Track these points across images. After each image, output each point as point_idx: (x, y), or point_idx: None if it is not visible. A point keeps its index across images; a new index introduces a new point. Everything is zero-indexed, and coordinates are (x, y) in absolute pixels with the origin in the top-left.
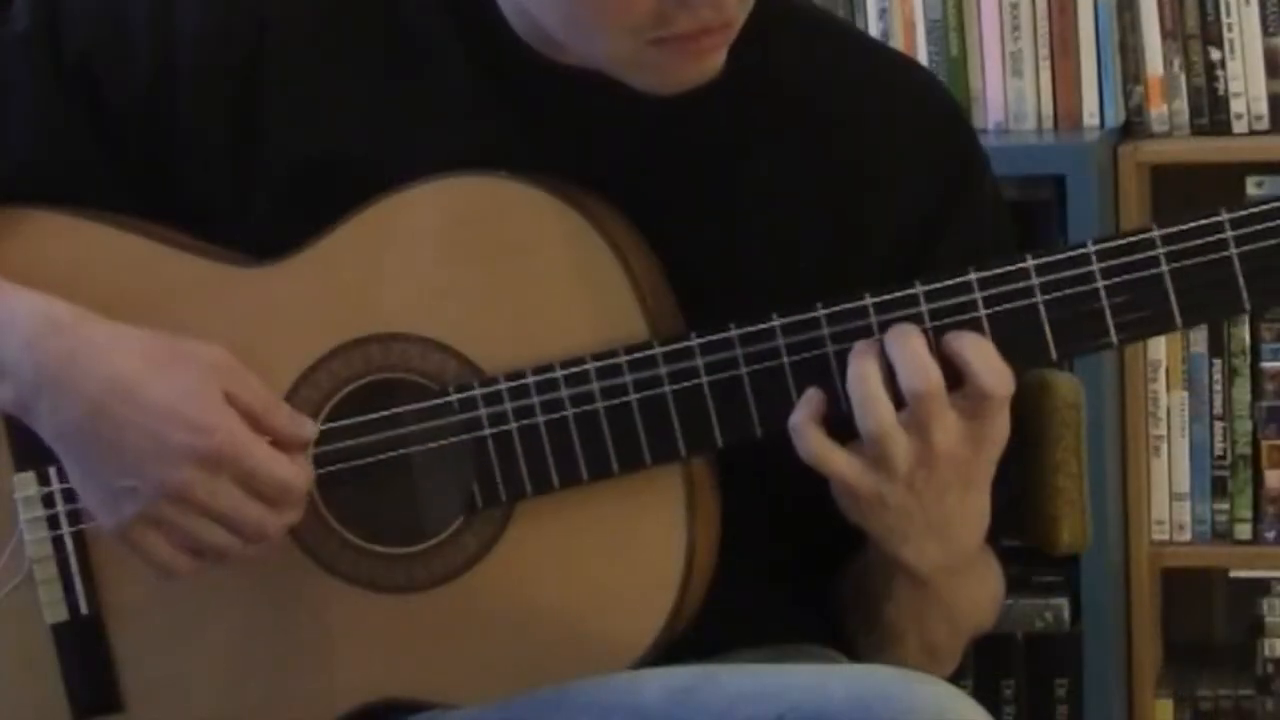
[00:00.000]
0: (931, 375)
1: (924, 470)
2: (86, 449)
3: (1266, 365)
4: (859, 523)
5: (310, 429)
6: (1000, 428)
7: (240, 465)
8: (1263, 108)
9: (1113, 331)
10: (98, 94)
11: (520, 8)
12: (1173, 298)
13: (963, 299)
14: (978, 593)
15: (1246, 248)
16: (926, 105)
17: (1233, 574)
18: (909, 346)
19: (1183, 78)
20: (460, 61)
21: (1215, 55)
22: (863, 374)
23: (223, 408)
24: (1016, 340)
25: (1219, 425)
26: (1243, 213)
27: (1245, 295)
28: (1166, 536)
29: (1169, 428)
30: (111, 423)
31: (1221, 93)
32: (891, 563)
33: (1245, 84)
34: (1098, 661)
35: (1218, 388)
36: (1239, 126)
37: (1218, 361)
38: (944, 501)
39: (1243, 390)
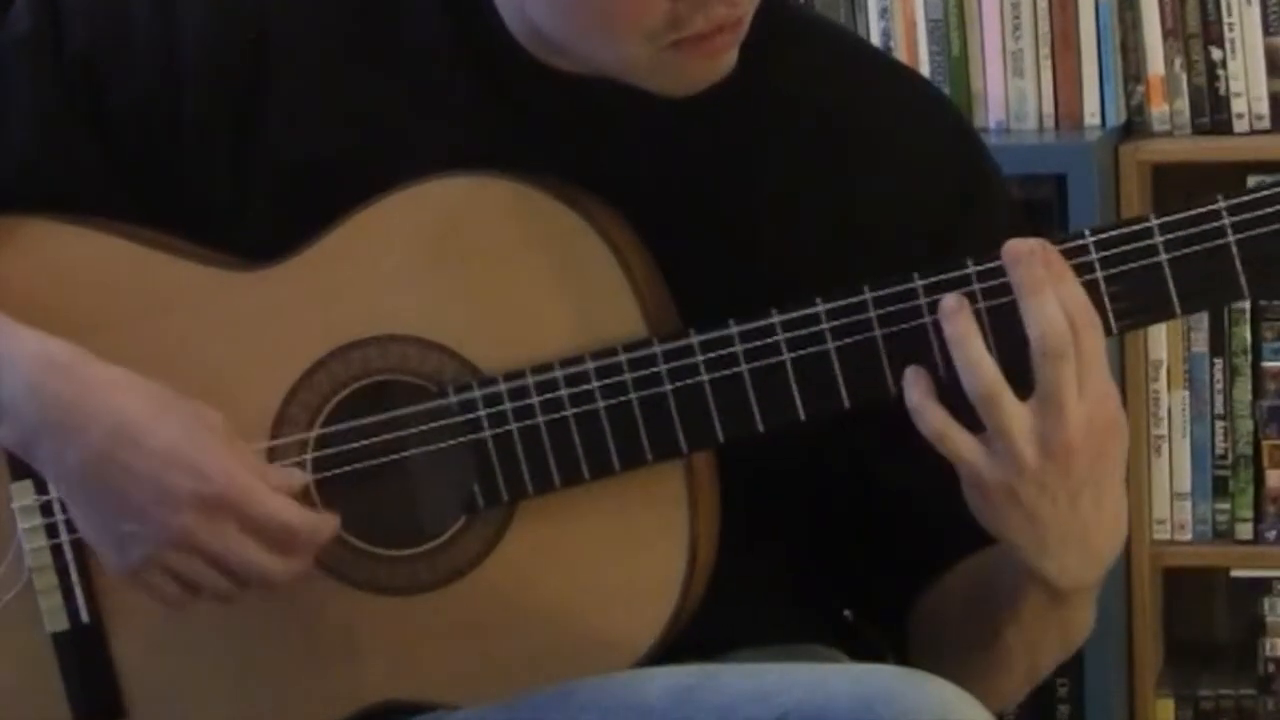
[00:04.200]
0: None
1: (1054, 465)
2: (90, 493)
3: (1268, 365)
4: (995, 530)
5: (298, 479)
6: (1111, 405)
7: (243, 510)
8: (1264, 107)
9: (1112, 319)
10: (99, 95)
11: (521, 13)
12: (1171, 286)
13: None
14: (1087, 613)
15: (1244, 234)
16: (933, 118)
17: (1234, 573)
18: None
19: (1184, 77)
20: (458, 66)
21: (1216, 55)
22: (962, 334)
23: (225, 453)
24: (1017, 330)
25: (1220, 425)
26: (1240, 200)
27: (1244, 282)
28: (1168, 536)
29: (1170, 427)
30: (115, 468)
31: (1222, 92)
32: (1027, 579)
33: (1246, 83)
34: (1099, 661)
35: (1219, 387)
36: (1240, 126)
37: (1219, 361)
38: (1079, 504)
39: (1244, 390)
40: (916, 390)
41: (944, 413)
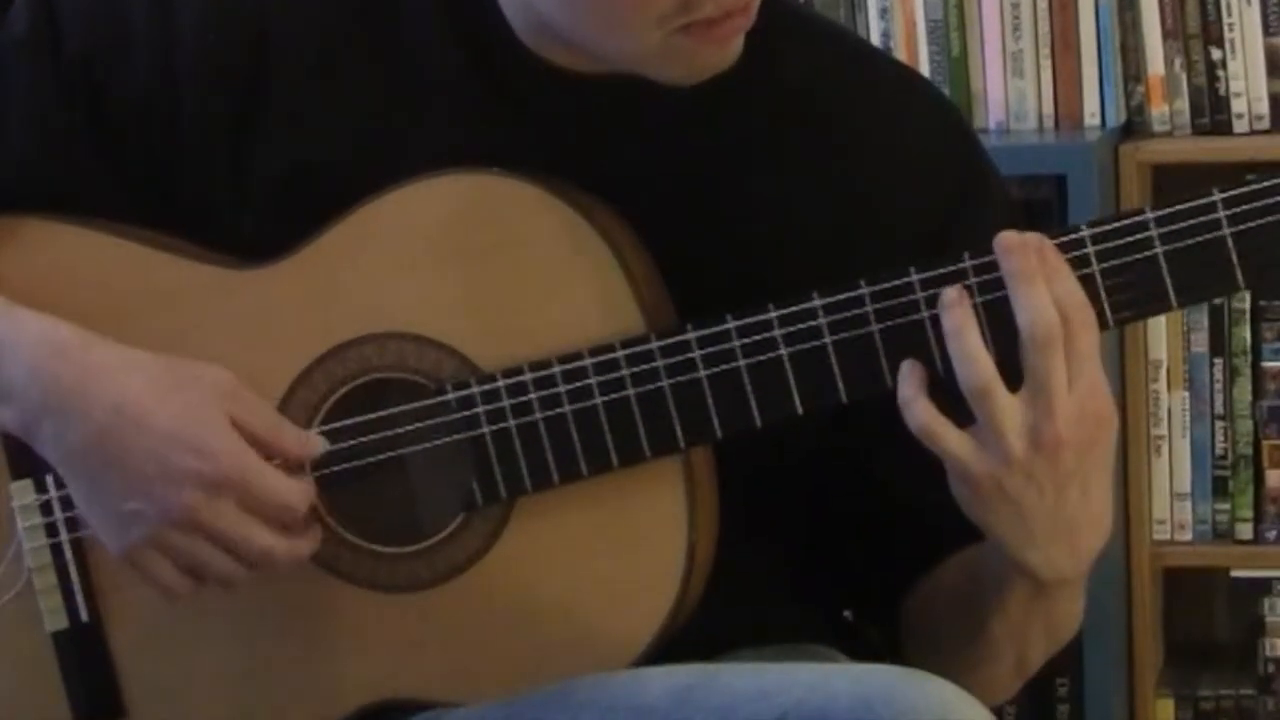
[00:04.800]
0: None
1: (1042, 456)
2: (92, 473)
3: (1267, 365)
4: (981, 523)
5: (317, 445)
6: (1101, 398)
7: (245, 490)
8: (1263, 107)
9: (1108, 312)
10: (97, 95)
11: (525, 8)
12: (1167, 278)
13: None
14: (1076, 605)
15: (1240, 226)
16: (933, 118)
17: (1234, 574)
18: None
19: (1184, 77)
20: (458, 66)
21: (1216, 55)
22: (960, 327)
23: (228, 432)
24: (1013, 324)
25: (1220, 425)
26: (1235, 192)
27: (1240, 273)
28: (1168, 536)
29: (1170, 427)
30: (117, 448)
31: (1222, 92)
32: (1013, 571)
33: (1246, 84)
34: (1099, 661)
35: (1219, 387)
36: (1240, 126)
37: (1219, 361)
38: (1066, 497)
39: (1244, 390)
40: (908, 385)
41: (932, 408)
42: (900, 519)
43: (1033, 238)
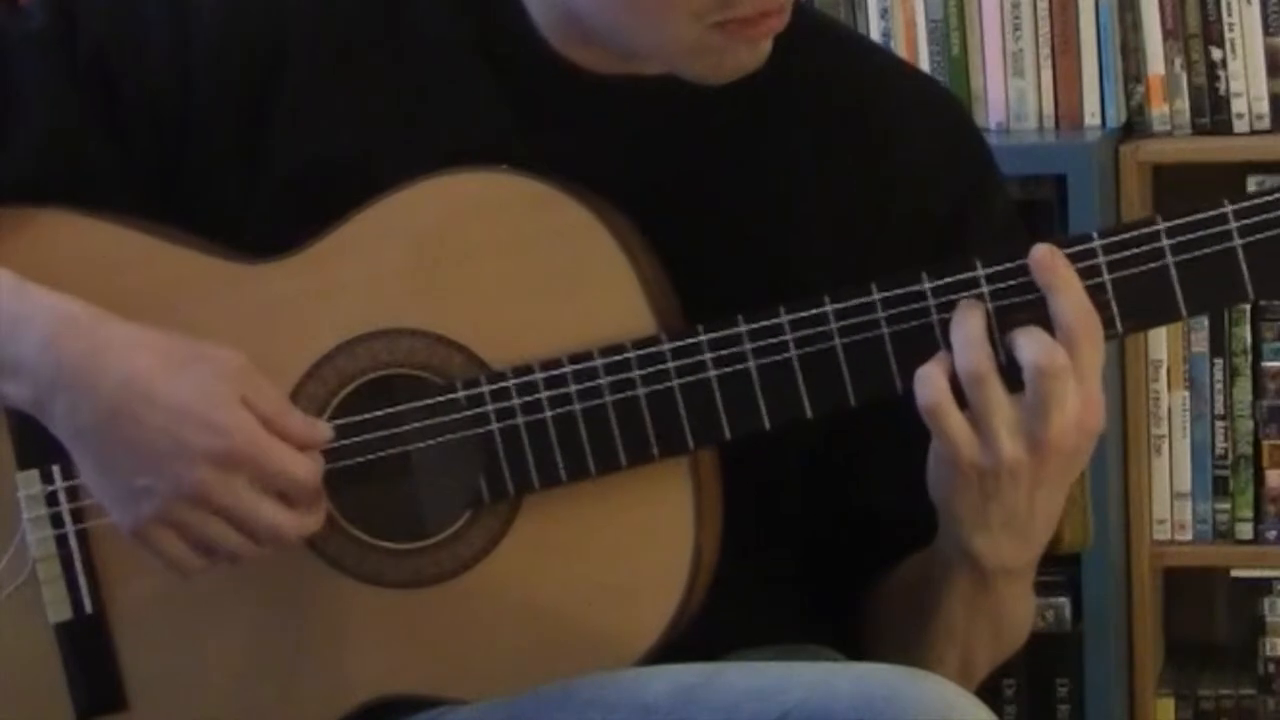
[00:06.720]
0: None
1: (1033, 459)
2: (103, 448)
3: (1268, 365)
4: (943, 500)
5: (324, 432)
6: (1097, 411)
7: (257, 465)
8: (1264, 107)
9: (1118, 322)
10: (111, 91)
11: (553, 4)
12: (1177, 289)
13: (968, 294)
14: (1023, 606)
15: (1250, 238)
16: (943, 117)
17: (1234, 573)
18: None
19: (1184, 77)
20: (473, 61)
21: (1216, 55)
22: (966, 314)
23: (240, 409)
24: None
25: (1220, 425)
26: (1246, 204)
27: (1249, 285)
28: (1168, 536)
29: (1170, 427)
30: (129, 422)
31: (1222, 92)
32: (958, 558)
33: (1246, 83)
34: (1099, 661)
35: (1219, 387)
36: (1240, 126)
37: (1219, 361)
38: (1036, 497)
39: (1244, 390)
40: (933, 363)
41: (947, 387)
42: (865, 523)
43: (1044, 249)
